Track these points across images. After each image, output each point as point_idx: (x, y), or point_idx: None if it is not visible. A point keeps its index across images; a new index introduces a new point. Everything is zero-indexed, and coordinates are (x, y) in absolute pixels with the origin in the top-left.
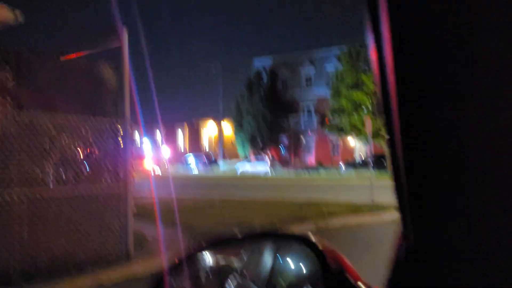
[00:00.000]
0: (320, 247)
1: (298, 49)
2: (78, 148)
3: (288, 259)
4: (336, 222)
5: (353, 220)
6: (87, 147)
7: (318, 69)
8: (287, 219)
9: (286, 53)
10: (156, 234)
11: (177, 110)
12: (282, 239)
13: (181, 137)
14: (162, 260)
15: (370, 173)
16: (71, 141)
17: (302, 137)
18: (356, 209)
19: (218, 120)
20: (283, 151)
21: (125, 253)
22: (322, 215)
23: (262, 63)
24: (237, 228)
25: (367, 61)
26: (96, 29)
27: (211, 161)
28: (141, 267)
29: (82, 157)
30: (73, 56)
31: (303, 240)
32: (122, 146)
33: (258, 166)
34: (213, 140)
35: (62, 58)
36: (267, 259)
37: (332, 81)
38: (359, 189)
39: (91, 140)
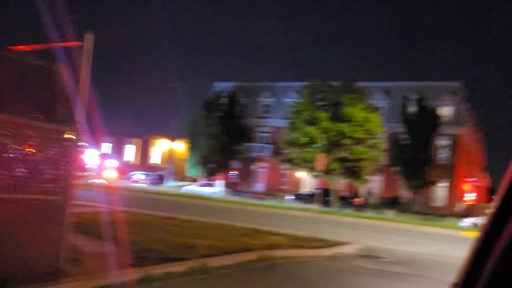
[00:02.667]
0: None
1: (259, 80)
2: (19, 151)
3: None
4: (279, 253)
5: (294, 252)
6: (30, 150)
7: (277, 100)
8: (231, 245)
9: (247, 81)
10: (94, 248)
11: (132, 124)
12: None
13: (132, 152)
14: (98, 279)
15: (315, 207)
16: (11, 143)
17: (253, 164)
18: (298, 241)
19: (171, 139)
20: (233, 176)
21: (58, 268)
22: (266, 244)
23: (222, 87)
24: (180, 249)
25: (324, 99)
26: (56, 27)
27: (159, 179)
28: (72, 286)
29: (22, 160)
30: (25, 48)
31: None
32: (68, 153)
33: (207, 188)
34: (163, 158)
35: (12, 50)
36: None
37: (289, 113)
38: (303, 221)
39: (35, 143)
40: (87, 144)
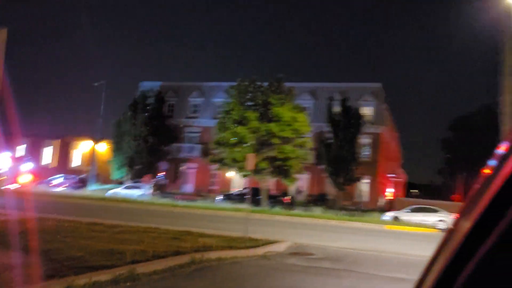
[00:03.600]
0: None
1: (188, 79)
2: None
3: None
4: (212, 255)
5: (228, 253)
6: None
7: (206, 100)
8: (161, 249)
9: (175, 81)
10: (10, 260)
11: (51, 125)
12: None
13: (50, 154)
14: None
15: (246, 207)
16: None
17: (182, 164)
18: (231, 241)
19: (94, 140)
20: (161, 177)
21: None
22: (197, 247)
23: (149, 86)
24: (106, 256)
25: (253, 99)
26: None
27: (82, 182)
28: None
29: None
30: None
31: None
32: None
33: (134, 191)
34: (85, 160)
35: None
36: None
37: (219, 113)
38: (234, 221)
39: None
40: (2, 148)
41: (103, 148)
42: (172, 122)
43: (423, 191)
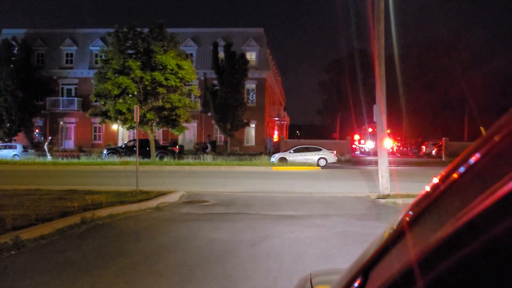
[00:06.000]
0: None
1: (58, 26)
2: None
3: None
4: (103, 212)
5: (119, 209)
6: None
7: (81, 49)
8: (47, 211)
9: (43, 28)
10: None
11: None
12: None
13: None
14: None
15: (134, 159)
16: None
17: (60, 119)
18: (122, 197)
19: None
20: (37, 134)
21: None
22: (86, 205)
23: (12, 34)
24: None
25: (134, 47)
26: None
27: None
28: None
29: None
30: None
31: None
32: None
33: (5, 151)
34: None
35: None
36: None
37: (96, 63)
38: (123, 175)
39: None
40: None
41: None
42: (43, 74)
43: (306, 131)
